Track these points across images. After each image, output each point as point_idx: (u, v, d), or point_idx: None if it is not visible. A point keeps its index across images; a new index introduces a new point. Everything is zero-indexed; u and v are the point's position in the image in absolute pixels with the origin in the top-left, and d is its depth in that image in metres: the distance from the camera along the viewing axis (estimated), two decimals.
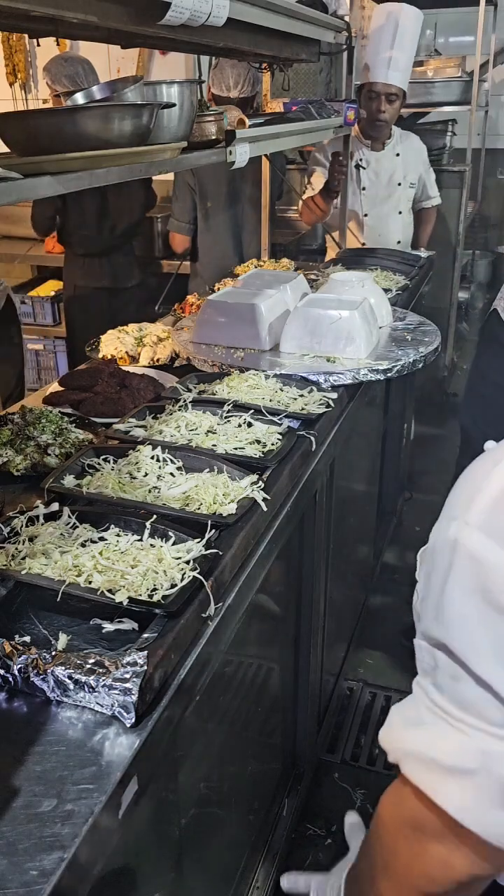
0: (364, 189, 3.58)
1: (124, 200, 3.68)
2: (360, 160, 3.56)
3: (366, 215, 3.62)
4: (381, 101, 3.36)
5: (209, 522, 1.24)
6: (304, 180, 4.58)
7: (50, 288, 4.56)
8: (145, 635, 1.01)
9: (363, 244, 3.65)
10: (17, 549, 1.17)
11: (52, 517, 1.26)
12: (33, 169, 1.20)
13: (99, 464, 1.44)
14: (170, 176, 3.72)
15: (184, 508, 1.30)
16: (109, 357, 2.29)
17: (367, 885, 0.90)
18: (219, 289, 2.59)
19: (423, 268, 3.20)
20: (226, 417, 1.63)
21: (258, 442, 1.55)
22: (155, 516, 1.22)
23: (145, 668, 0.94)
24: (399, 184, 3.63)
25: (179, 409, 1.65)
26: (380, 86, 3.33)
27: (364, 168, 3.56)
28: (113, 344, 2.34)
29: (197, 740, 1.35)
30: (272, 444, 1.55)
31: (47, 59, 3.50)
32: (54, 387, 2.05)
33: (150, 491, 1.35)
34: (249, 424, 1.61)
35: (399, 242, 3.70)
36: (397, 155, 3.61)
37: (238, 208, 3.57)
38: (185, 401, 1.68)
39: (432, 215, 3.95)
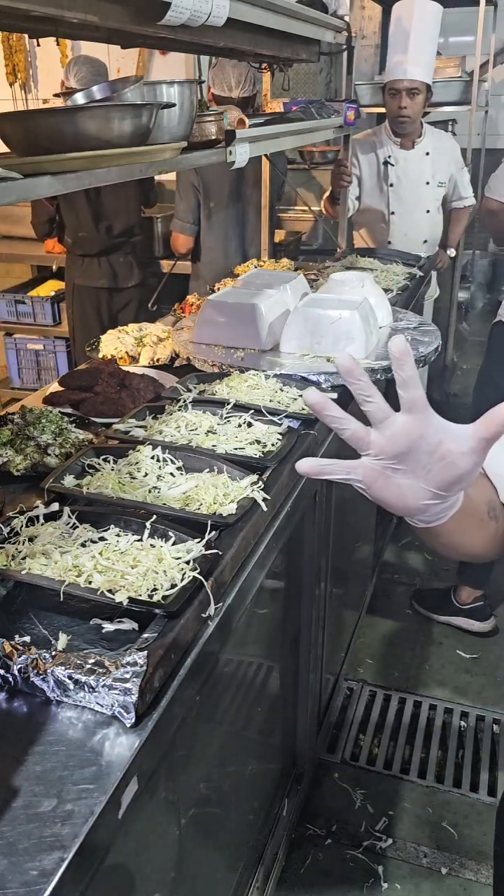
0: (392, 186, 3.58)
1: (120, 201, 3.69)
2: (389, 157, 3.55)
3: (392, 213, 3.62)
4: (401, 97, 3.35)
5: (209, 522, 1.24)
6: (306, 180, 4.59)
7: (50, 288, 4.56)
8: (145, 635, 1.01)
9: (389, 242, 3.65)
10: (17, 549, 1.17)
11: (52, 517, 1.26)
12: (33, 169, 1.20)
13: (99, 464, 1.44)
14: (172, 176, 3.73)
15: (184, 508, 1.30)
16: (109, 357, 2.29)
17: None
18: (219, 289, 2.59)
19: (423, 268, 3.20)
20: (226, 418, 1.63)
21: (258, 442, 1.55)
22: (155, 516, 1.22)
23: (145, 668, 0.94)
24: (427, 183, 3.60)
25: (179, 409, 1.65)
26: (399, 82, 3.33)
27: (392, 165, 3.55)
28: (113, 344, 2.34)
29: (197, 740, 1.35)
30: (272, 445, 1.55)
31: (48, 60, 3.54)
32: (54, 387, 2.05)
33: (150, 491, 1.35)
34: (249, 424, 1.61)
35: (426, 242, 3.68)
36: (427, 154, 3.59)
37: (241, 207, 3.57)
38: (185, 401, 1.68)
39: (464, 216, 3.91)
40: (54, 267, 4.60)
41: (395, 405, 0.76)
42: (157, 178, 3.73)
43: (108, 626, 1.06)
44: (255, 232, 3.64)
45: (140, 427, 1.60)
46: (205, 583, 1.11)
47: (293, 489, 1.54)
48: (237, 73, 3.29)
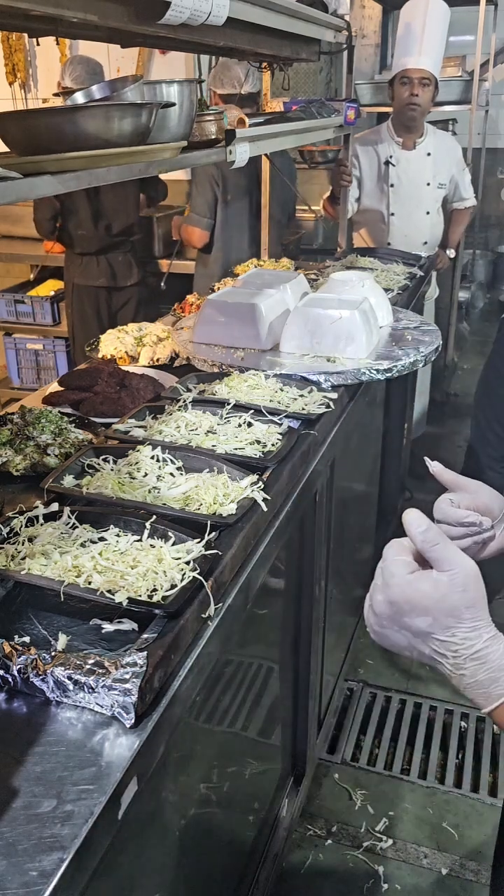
0: (392, 186, 3.57)
1: (120, 200, 3.69)
2: (391, 157, 3.55)
3: (392, 214, 3.61)
4: (413, 84, 3.36)
5: (209, 523, 1.24)
6: (306, 180, 4.60)
7: (50, 288, 4.56)
8: (145, 636, 1.01)
9: (388, 244, 3.64)
10: (16, 549, 1.17)
11: (51, 517, 1.26)
12: (33, 168, 1.20)
13: (99, 464, 1.44)
14: (174, 174, 3.73)
15: (184, 509, 1.30)
16: (109, 357, 2.29)
17: None
18: (219, 288, 2.59)
19: (423, 267, 3.20)
20: (226, 418, 1.63)
21: (258, 442, 1.55)
22: (155, 516, 1.22)
23: (145, 668, 0.94)
24: (428, 184, 3.59)
25: (179, 409, 1.65)
26: (412, 71, 3.34)
27: (393, 165, 3.54)
28: (112, 344, 2.34)
29: (197, 740, 1.35)
30: (272, 445, 1.54)
31: (47, 59, 3.55)
32: (54, 387, 2.05)
33: (149, 491, 1.35)
34: (249, 424, 1.61)
35: (425, 243, 3.67)
36: (428, 154, 3.58)
37: (255, 203, 3.57)
38: (184, 401, 1.67)
39: (465, 217, 3.90)
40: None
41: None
42: (162, 176, 3.73)
43: (108, 627, 1.06)
44: (269, 226, 3.63)
45: (140, 427, 1.60)
46: (205, 583, 1.10)
47: (293, 489, 1.53)
48: (243, 68, 3.30)
